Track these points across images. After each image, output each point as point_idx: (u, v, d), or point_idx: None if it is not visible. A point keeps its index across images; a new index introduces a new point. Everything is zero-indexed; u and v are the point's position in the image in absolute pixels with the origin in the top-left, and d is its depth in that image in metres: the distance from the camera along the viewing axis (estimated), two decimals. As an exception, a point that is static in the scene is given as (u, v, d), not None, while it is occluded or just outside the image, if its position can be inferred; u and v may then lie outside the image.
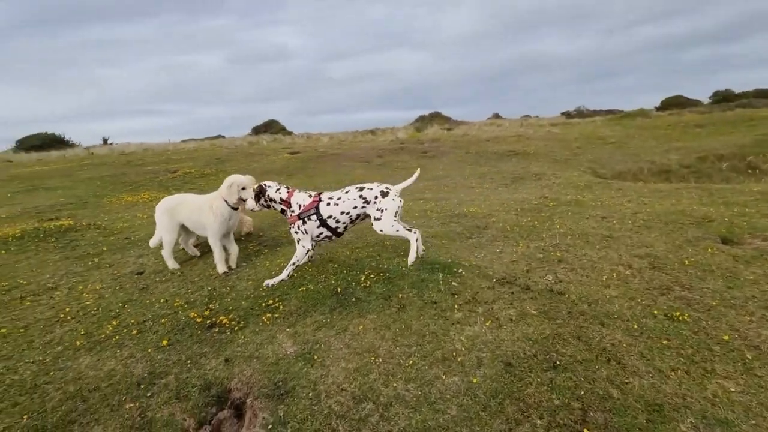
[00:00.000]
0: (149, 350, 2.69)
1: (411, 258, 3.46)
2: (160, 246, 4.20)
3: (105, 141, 29.37)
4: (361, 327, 2.73)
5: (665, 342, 2.38)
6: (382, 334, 2.65)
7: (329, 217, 3.43)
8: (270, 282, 3.44)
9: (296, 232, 3.49)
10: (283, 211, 3.56)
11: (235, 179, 3.88)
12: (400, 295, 3.09)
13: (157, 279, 3.98)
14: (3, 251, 5.23)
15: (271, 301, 3.17)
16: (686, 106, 28.29)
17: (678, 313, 2.65)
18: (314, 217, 3.43)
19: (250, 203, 3.58)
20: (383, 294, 3.12)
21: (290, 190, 3.56)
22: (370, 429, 1.95)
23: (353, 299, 3.08)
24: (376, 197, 3.43)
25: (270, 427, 2.01)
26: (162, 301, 3.44)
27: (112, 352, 2.72)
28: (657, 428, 1.84)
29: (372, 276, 3.39)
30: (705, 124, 16.60)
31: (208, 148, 18.46)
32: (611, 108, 34.64)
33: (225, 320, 2.99)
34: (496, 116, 37.65)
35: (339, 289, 3.20)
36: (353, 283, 3.29)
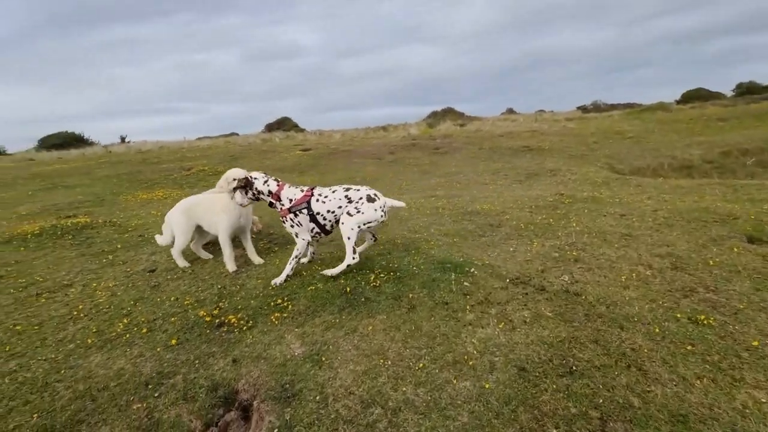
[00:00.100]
0: (158, 349, 2.69)
1: (330, 270, 3.36)
2: (169, 244, 4.23)
3: (123, 139, 29.93)
4: (371, 328, 2.68)
5: (689, 347, 2.26)
6: (392, 335, 2.59)
7: (318, 213, 3.39)
8: (277, 281, 3.42)
9: (291, 226, 3.44)
10: (271, 204, 3.51)
11: (229, 173, 3.86)
12: (410, 295, 3.02)
13: (169, 277, 4.00)
14: (22, 248, 5.34)
15: (279, 301, 3.14)
16: (708, 99, 27.42)
17: (702, 317, 2.52)
18: (305, 212, 3.38)
19: (238, 197, 3.54)
20: (393, 294, 3.06)
21: (280, 183, 3.51)
22: (378, 434, 1.89)
23: (362, 299, 3.03)
24: (360, 198, 3.36)
25: (276, 431, 1.97)
26: (172, 299, 3.45)
27: (122, 350, 2.72)
28: (681, 440, 1.74)
29: (382, 275, 3.33)
30: (728, 118, 16.04)
31: (222, 146, 18.63)
32: (629, 102, 33.80)
33: (234, 319, 2.97)
34: (510, 111, 37.14)
35: (348, 289, 3.15)
36: (363, 283, 3.24)
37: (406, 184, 8.39)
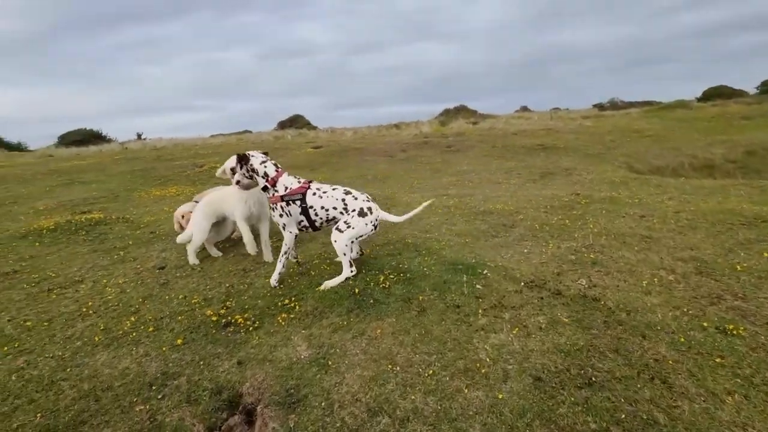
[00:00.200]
0: (164, 349, 2.65)
1: (328, 282, 3.25)
2: (185, 243, 4.25)
3: (139, 136, 30.41)
4: (379, 331, 2.60)
5: (718, 359, 2.12)
6: (401, 339, 2.50)
7: (311, 207, 3.29)
8: (273, 281, 3.36)
9: (280, 215, 3.32)
10: (265, 189, 3.39)
11: (227, 163, 3.92)
12: (420, 297, 2.93)
13: (178, 274, 3.98)
14: (37, 243, 5.40)
15: (287, 301, 3.08)
16: (731, 97, 26.57)
17: (731, 326, 2.37)
18: (299, 203, 3.28)
19: (237, 175, 3.47)
20: (403, 296, 2.97)
21: (279, 170, 3.39)
22: (385, 445, 1.81)
23: (371, 301, 2.95)
24: (353, 210, 3.27)
25: (280, 437, 1.90)
26: (180, 297, 3.42)
27: (128, 349, 2.70)
28: (711, 461, 1.62)
29: (392, 276, 3.24)
30: (752, 116, 15.51)
31: (234, 143, 18.74)
32: (648, 99, 33.01)
33: (240, 319, 2.92)
34: (524, 109, 36.63)
35: (357, 290, 3.07)
36: (372, 284, 3.16)
37: (417, 183, 8.28)
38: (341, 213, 3.29)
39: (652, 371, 2.07)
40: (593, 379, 2.04)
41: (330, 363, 2.34)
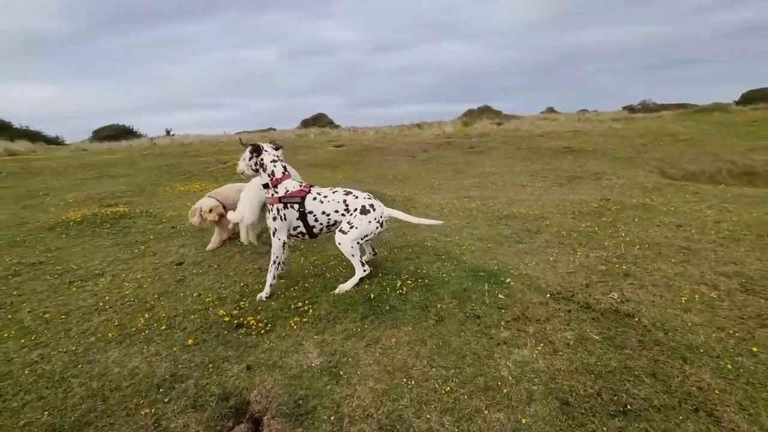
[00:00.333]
0: (174, 349, 2.61)
1: (342, 286, 3.10)
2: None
3: (167, 132, 31.24)
4: (394, 340, 2.47)
5: (772, 391, 1.90)
6: (417, 350, 2.37)
7: (310, 212, 3.15)
8: (262, 295, 3.18)
9: (274, 218, 3.16)
10: (266, 186, 3.24)
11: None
12: (439, 305, 2.79)
13: (194, 271, 3.96)
14: (63, 235, 5.52)
15: (300, 304, 3.00)
16: (774, 100, 25.09)
17: (786, 353, 2.13)
18: (297, 206, 3.13)
19: (241, 165, 3.34)
20: (420, 303, 2.84)
21: (286, 172, 3.25)
22: (396, 467, 1.68)
23: (387, 307, 2.82)
24: (355, 209, 3.13)
25: (286, 451, 1.81)
26: (195, 295, 3.39)
27: (139, 347, 2.66)
28: None
29: (409, 282, 3.11)
30: (799, 120, 14.56)
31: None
32: (682, 101, 31.62)
33: (252, 321, 2.85)
34: (551, 110, 35.75)
35: (372, 295, 2.96)
36: (388, 289, 3.03)
37: (438, 184, 8.10)
38: (343, 215, 3.16)
39: (696, 401, 1.86)
40: (628, 406, 1.85)
41: (341, 373, 2.23)
